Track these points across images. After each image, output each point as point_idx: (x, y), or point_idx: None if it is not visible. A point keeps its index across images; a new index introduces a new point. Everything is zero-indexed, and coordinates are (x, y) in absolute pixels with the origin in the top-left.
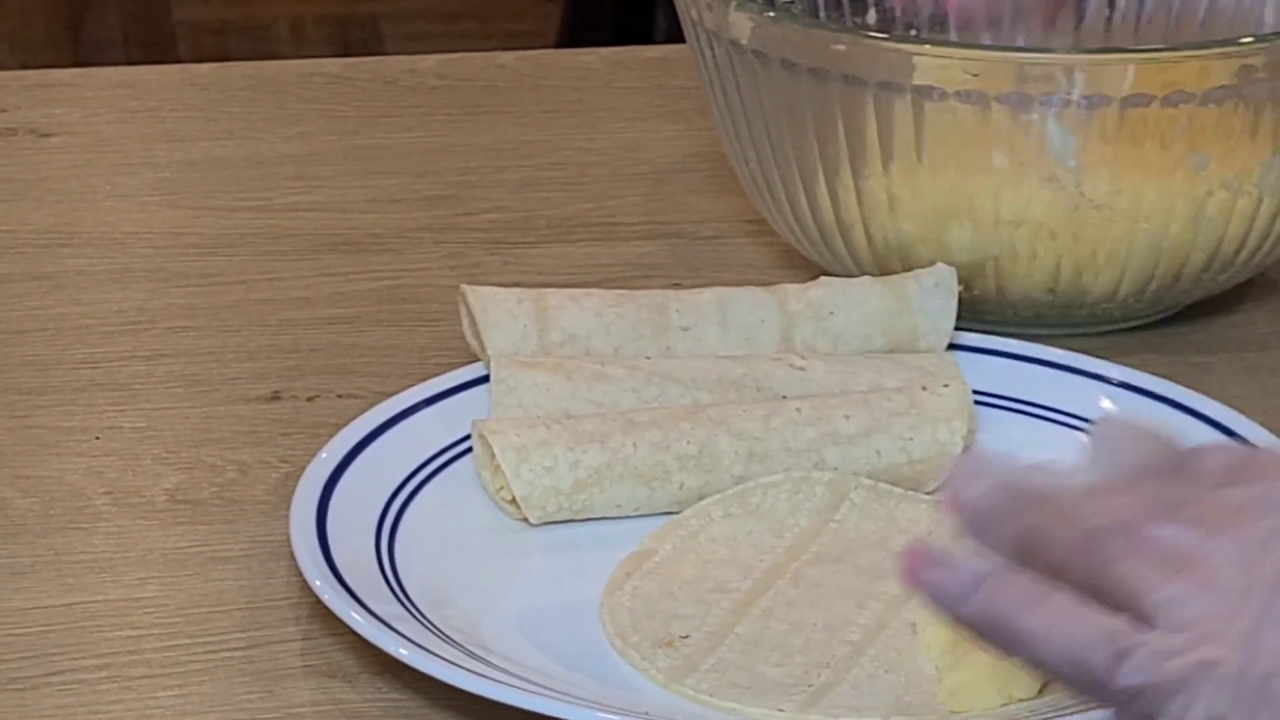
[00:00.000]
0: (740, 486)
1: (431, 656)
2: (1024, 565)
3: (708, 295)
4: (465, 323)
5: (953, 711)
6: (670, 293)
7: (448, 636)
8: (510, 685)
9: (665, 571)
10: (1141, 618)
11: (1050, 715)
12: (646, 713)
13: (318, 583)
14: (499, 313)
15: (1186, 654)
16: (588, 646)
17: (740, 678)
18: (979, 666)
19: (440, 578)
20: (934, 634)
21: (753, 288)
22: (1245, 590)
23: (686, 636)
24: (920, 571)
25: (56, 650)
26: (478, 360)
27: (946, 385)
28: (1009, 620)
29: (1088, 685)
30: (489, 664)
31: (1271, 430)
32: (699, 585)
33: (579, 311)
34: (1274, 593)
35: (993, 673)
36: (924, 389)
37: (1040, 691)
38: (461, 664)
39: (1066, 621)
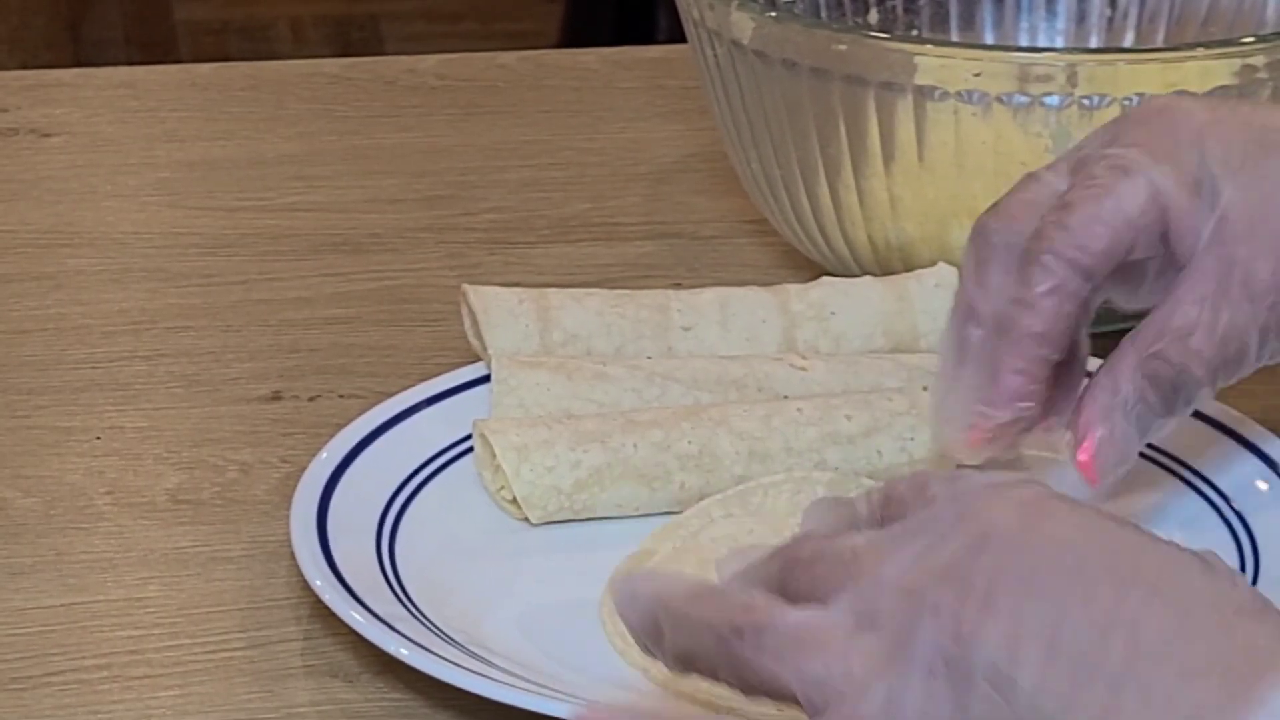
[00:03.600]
0: (741, 487)
1: (432, 656)
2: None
3: (709, 295)
4: (467, 322)
5: None
6: (671, 292)
7: (448, 636)
8: (511, 685)
9: (667, 571)
10: (809, 710)
11: None
12: None
13: (318, 582)
14: (500, 312)
15: None
16: (589, 646)
17: None
18: None
19: (441, 577)
20: None
21: (754, 288)
22: (879, 649)
23: None
24: None
25: (57, 650)
26: (479, 360)
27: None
28: None
29: None
30: (490, 664)
31: (1271, 430)
32: None
33: (580, 311)
34: (900, 651)
35: None
36: (925, 389)
37: None
38: (462, 664)
39: None
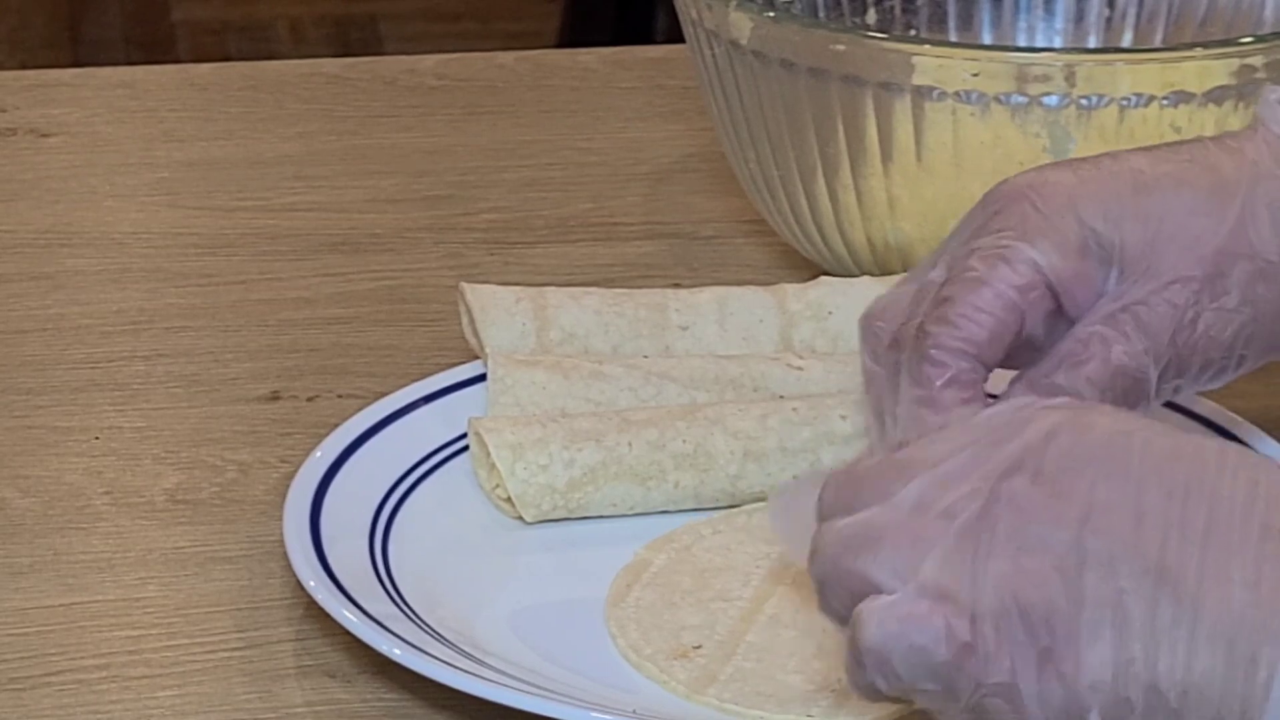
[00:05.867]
0: (725, 510)
1: (425, 657)
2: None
3: (707, 295)
4: (464, 321)
5: None
6: (669, 292)
7: (442, 636)
8: (505, 685)
9: (665, 582)
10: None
11: None
12: (634, 711)
13: (311, 583)
14: (498, 311)
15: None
16: (583, 645)
17: (762, 686)
18: None
19: (434, 577)
20: None
21: (752, 287)
22: (950, 534)
23: (699, 646)
24: None
25: (56, 650)
26: (476, 359)
27: None
28: None
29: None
30: (483, 664)
31: (1266, 431)
32: (700, 594)
33: (578, 310)
34: (974, 538)
35: None
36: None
37: None
38: (456, 664)
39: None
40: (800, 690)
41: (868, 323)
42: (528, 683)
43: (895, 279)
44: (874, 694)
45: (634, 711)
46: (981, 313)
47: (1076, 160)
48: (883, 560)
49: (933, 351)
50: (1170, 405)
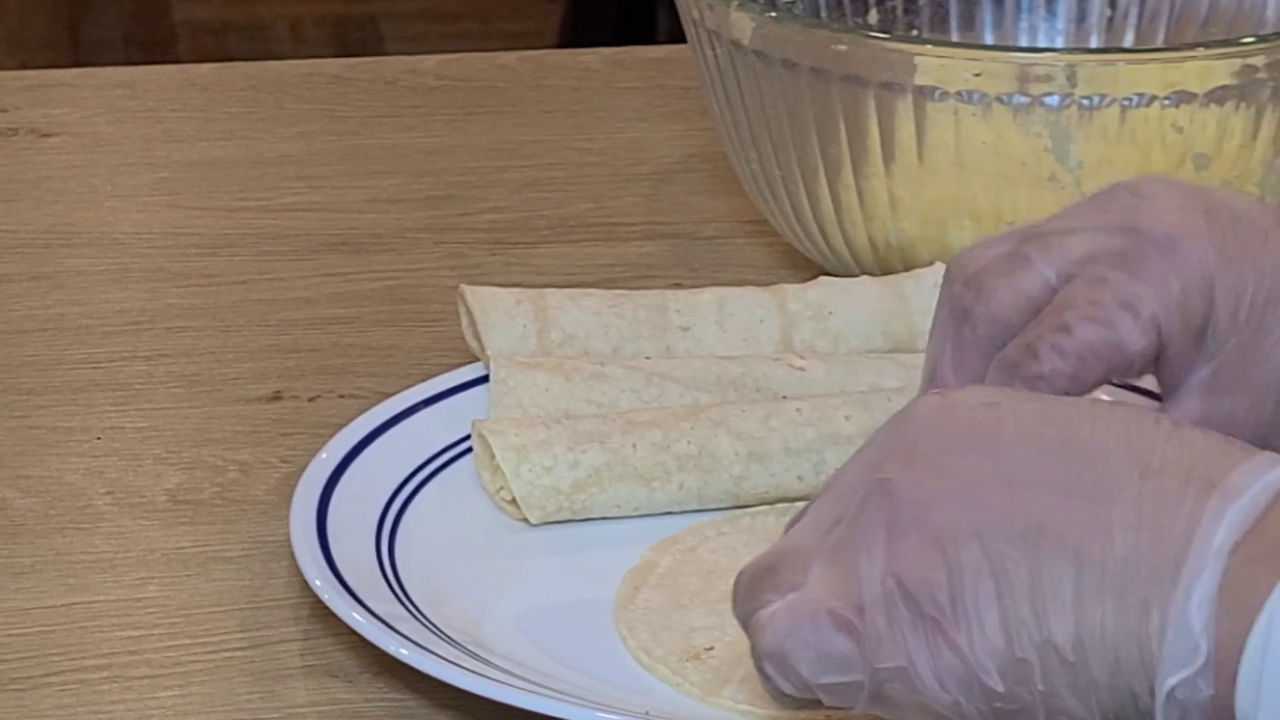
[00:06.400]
0: (730, 511)
1: (432, 656)
2: None
3: (707, 295)
4: (464, 322)
5: None
6: (669, 293)
7: (448, 636)
8: (518, 687)
9: (672, 583)
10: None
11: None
12: (647, 712)
13: (318, 582)
14: (498, 313)
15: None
16: (589, 646)
17: None
18: None
19: (440, 579)
20: None
21: (752, 288)
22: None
23: (711, 649)
24: None
25: (57, 650)
26: (478, 360)
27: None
28: None
29: None
30: (494, 665)
31: None
32: (708, 595)
33: (578, 312)
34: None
35: None
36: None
37: None
38: (462, 664)
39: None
40: None
41: (965, 303)
42: (534, 683)
43: (895, 279)
44: (784, 699)
45: (648, 713)
46: (1098, 360)
47: (1229, 225)
48: (778, 580)
49: (1037, 381)
50: None
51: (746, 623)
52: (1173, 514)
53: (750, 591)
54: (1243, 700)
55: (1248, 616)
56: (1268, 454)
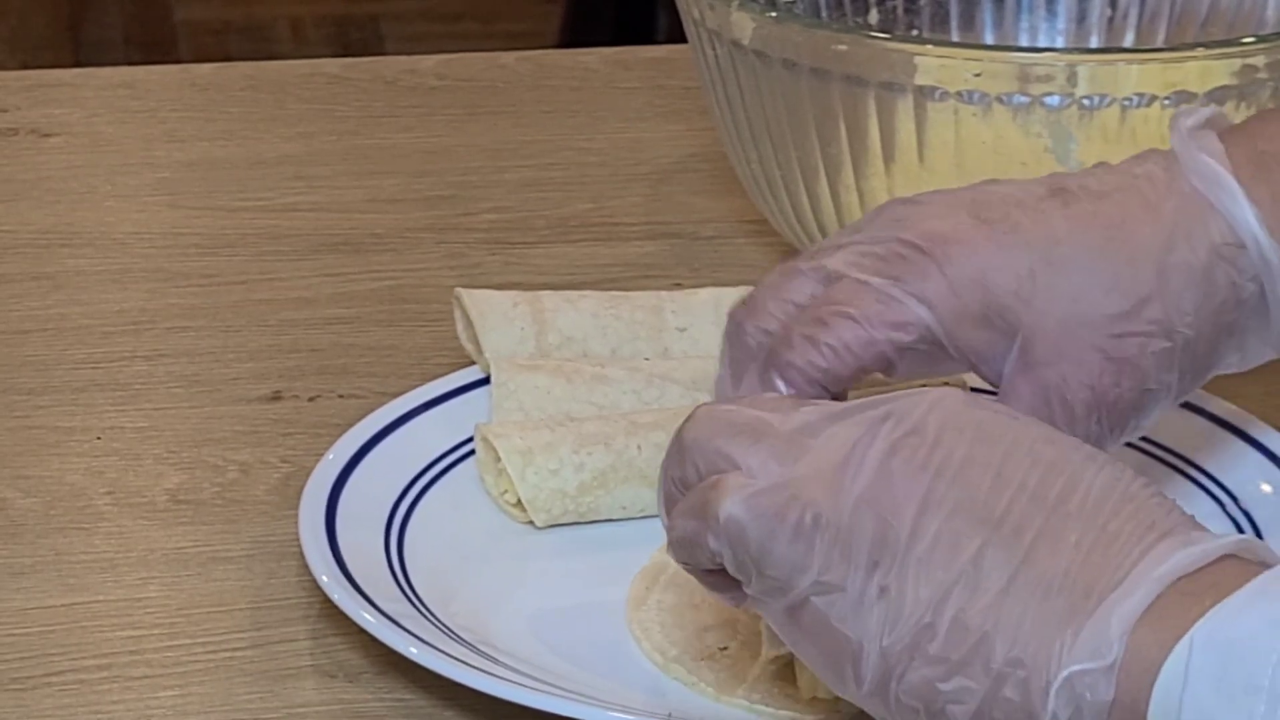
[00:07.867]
0: None
1: (441, 655)
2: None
3: (703, 295)
4: (460, 326)
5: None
6: (665, 294)
7: (456, 635)
8: (519, 684)
9: (683, 584)
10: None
11: None
12: (670, 714)
13: (326, 580)
14: (495, 315)
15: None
16: (597, 645)
17: (790, 686)
18: None
19: (448, 579)
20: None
21: (747, 287)
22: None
23: (725, 648)
24: None
25: (57, 650)
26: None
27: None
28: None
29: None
30: (509, 667)
31: (1278, 428)
32: None
33: (575, 313)
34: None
35: None
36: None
37: None
38: (470, 662)
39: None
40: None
41: (736, 320)
42: (542, 681)
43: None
44: (698, 562)
45: (670, 714)
46: (851, 353)
47: (996, 213)
48: (759, 451)
49: (788, 370)
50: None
51: (702, 471)
52: (1124, 553)
53: (711, 436)
54: None
55: (1170, 637)
56: (1238, 535)
